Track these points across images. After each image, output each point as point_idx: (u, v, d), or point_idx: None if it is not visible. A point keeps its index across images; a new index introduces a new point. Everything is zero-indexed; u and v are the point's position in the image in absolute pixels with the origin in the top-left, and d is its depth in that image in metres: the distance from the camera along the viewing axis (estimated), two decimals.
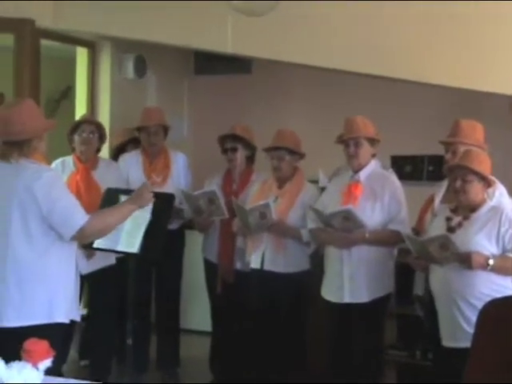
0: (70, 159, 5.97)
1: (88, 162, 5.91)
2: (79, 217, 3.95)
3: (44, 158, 4.40)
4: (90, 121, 6.17)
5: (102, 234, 4.20)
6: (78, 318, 4.21)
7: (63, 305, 4.03)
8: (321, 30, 6.21)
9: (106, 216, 4.15)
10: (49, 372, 3.09)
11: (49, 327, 3.90)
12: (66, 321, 4.08)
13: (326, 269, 5.42)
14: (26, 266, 3.95)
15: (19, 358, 3.01)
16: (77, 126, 5.94)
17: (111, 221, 4.13)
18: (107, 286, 5.75)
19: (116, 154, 6.82)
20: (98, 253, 5.05)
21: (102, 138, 6.04)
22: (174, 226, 6.09)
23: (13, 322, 3.91)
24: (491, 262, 4.65)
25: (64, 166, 5.91)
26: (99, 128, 6.03)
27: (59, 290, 4.02)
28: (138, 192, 4.26)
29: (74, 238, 4.00)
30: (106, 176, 5.80)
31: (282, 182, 5.73)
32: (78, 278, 4.22)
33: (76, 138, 5.91)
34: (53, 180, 4.03)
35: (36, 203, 3.93)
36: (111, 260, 5.65)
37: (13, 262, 3.95)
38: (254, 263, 5.66)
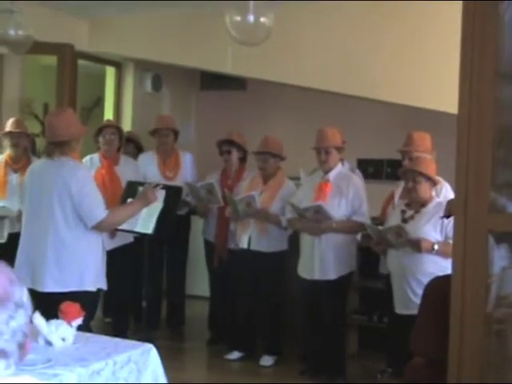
0: (96, 156, 6.01)
1: (111, 158, 5.95)
2: (100, 212, 4.03)
3: (79, 157, 4.42)
4: (112, 125, 6.23)
5: (115, 226, 4.36)
6: (104, 287, 4.26)
7: (92, 276, 4.11)
8: (301, 56, 6.27)
9: (119, 213, 4.26)
10: (80, 328, 3.23)
11: (80, 293, 3.98)
12: (94, 289, 4.16)
13: (300, 251, 5.46)
14: (63, 246, 4.02)
15: (56, 317, 3.15)
16: (101, 130, 6.00)
17: (123, 217, 4.26)
18: (125, 259, 5.74)
19: None
20: (119, 233, 5.10)
21: (121, 139, 6.08)
22: (182, 212, 6.15)
23: (52, 288, 4.00)
24: (436, 246, 4.78)
25: (92, 162, 5.93)
26: (119, 131, 6.09)
27: (89, 264, 4.10)
28: (143, 193, 4.32)
29: (93, 228, 4.06)
30: (126, 170, 5.84)
31: (266, 178, 5.78)
32: (105, 255, 4.28)
33: (101, 139, 5.96)
34: (85, 178, 4.09)
35: (70, 196, 4.00)
36: (130, 239, 5.70)
37: (53, 241, 4.02)
38: (243, 244, 5.72)
